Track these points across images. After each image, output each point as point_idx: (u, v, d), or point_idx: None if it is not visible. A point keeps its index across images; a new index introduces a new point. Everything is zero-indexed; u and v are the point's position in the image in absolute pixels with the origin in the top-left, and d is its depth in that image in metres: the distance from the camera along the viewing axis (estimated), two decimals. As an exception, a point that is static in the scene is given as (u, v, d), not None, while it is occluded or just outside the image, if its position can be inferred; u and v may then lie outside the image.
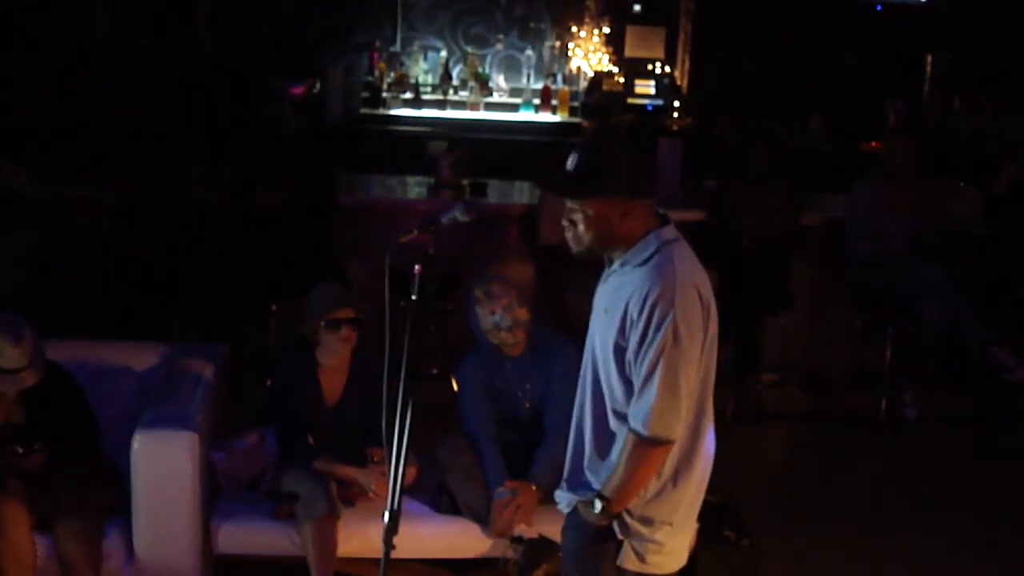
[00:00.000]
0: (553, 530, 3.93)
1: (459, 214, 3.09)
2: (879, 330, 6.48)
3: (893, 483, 5.83)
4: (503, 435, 4.36)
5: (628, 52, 9.53)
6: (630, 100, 9.17)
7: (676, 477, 3.00)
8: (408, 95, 9.18)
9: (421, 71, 9.39)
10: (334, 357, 4.45)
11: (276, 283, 5.80)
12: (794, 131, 8.76)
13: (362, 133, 8.85)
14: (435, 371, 6.09)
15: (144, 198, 5.94)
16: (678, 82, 9.48)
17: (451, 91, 9.26)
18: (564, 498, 3.16)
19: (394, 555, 3.09)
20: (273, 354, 5.77)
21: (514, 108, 9.30)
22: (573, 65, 9.49)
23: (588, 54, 9.46)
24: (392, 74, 9.29)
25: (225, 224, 6.09)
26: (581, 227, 2.96)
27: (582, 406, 3.11)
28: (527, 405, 4.42)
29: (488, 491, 4.22)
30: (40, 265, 6.43)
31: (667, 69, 9.41)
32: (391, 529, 3.06)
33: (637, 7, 9.46)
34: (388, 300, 3.01)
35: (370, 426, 4.04)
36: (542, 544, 4.11)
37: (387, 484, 3.06)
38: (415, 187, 7.08)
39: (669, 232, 2.97)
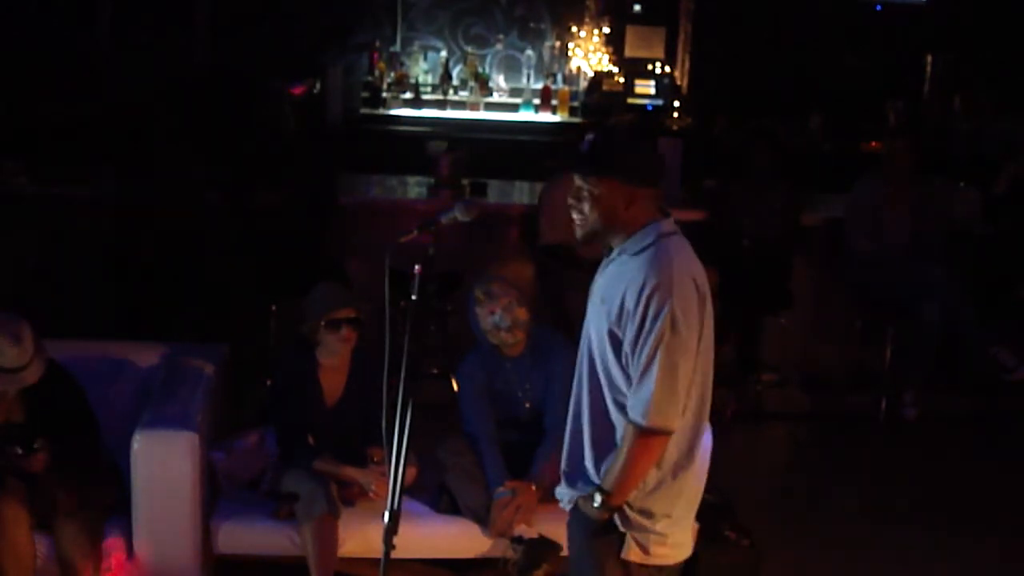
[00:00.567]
0: (553, 530, 3.94)
1: (459, 214, 3.09)
2: (879, 330, 6.48)
3: (893, 483, 5.83)
4: (503, 435, 4.36)
5: (628, 52, 9.53)
6: (630, 100, 9.17)
7: (676, 469, 3.01)
8: (408, 95, 9.18)
9: (421, 71, 9.39)
10: (334, 357, 4.45)
11: (276, 283, 5.81)
12: (794, 131, 8.76)
13: (362, 133, 8.85)
14: (435, 371, 6.08)
15: (144, 198, 5.93)
16: (678, 82, 9.48)
17: (451, 91, 9.26)
18: (565, 494, 3.16)
19: (394, 555, 3.09)
20: (273, 354, 5.77)
21: (514, 108, 9.30)
22: (573, 65, 9.49)
23: (588, 54, 9.47)
24: (392, 74, 9.29)
25: (225, 224, 6.09)
26: (587, 206, 2.99)
27: (579, 399, 3.11)
28: (527, 405, 4.42)
29: (488, 491, 4.22)
30: (40, 265, 6.43)
31: (667, 69, 9.41)
32: (391, 529, 3.06)
33: (637, 7, 9.46)
34: (388, 300, 3.01)
35: (370, 426, 4.04)
36: (542, 544, 4.10)
37: (387, 484, 3.06)
38: (415, 187, 7.08)
39: (668, 225, 3.01)
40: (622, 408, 2.97)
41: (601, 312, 3.01)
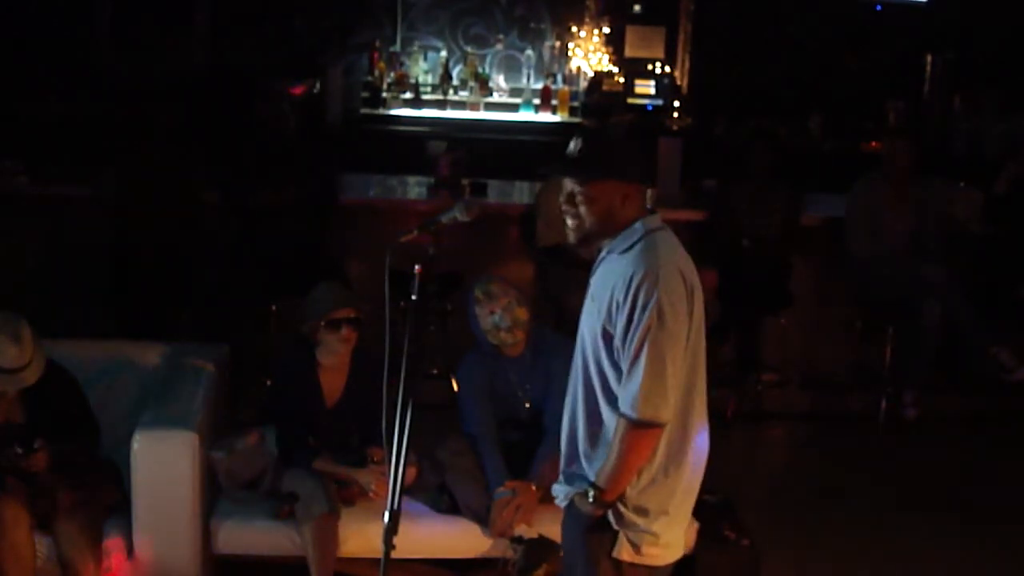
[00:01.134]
0: (553, 530, 3.93)
1: (459, 214, 3.09)
2: (879, 330, 6.48)
3: (893, 483, 5.83)
4: (503, 435, 4.36)
5: (628, 52, 9.53)
6: (630, 100, 9.17)
7: (667, 466, 3.01)
8: (408, 95, 9.18)
9: (421, 71, 9.39)
10: (334, 357, 4.45)
11: (276, 283, 5.80)
12: (794, 131, 8.77)
13: (362, 133, 8.85)
14: (435, 371, 6.09)
15: (144, 198, 5.93)
16: (678, 82, 9.48)
17: (451, 91, 9.27)
18: (561, 491, 3.17)
19: (394, 555, 3.09)
20: (273, 354, 5.77)
21: (514, 108, 9.30)
22: (573, 65, 9.49)
23: (588, 54, 9.47)
24: (392, 74, 9.29)
25: (225, 224, 6.09)
26: (583, 209, 3.00)
27: (574, 396, 3.12)
28: (527, 405, 4.42)
29: (488, 491, 4.22)
30: (40, 265, 6.43)
31: (667, 69, 9.41)
32: (391, 529, 3.06)
33: (637, 7, 9.46)
34: (388, 300, 3.01)
35: (370, 426, 4.04)
36: (542, 544, 4.10)
37: (387, 484, 3.06)
38: (415, 187, 7.08)
39: (654, 221, 3.02)
40: (614, 405, 2.98)
41: (593, 311, 3.02)
